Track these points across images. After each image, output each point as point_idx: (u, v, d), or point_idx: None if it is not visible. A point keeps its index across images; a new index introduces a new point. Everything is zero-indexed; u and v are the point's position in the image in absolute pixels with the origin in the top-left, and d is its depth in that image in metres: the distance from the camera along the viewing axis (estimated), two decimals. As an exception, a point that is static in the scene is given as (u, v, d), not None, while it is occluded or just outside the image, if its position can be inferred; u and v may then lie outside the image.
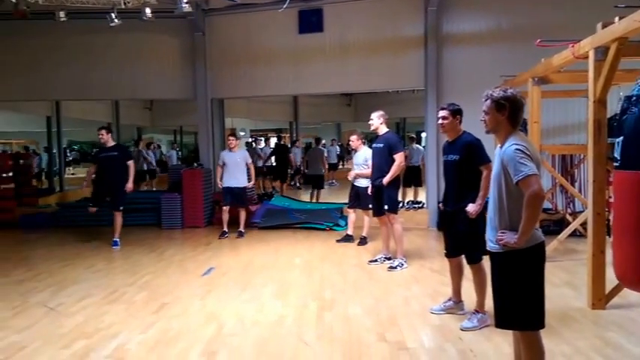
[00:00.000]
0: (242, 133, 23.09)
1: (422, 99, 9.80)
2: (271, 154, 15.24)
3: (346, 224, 8.22)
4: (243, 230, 8.50)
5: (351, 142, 7.71)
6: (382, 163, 6.21)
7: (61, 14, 8.02)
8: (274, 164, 15.03)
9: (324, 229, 8.90)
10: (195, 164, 10.14)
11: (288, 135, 22.79)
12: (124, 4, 7.53)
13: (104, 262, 6.89)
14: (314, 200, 11.60)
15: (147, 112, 19.51)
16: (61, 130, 14.40)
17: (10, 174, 10.40)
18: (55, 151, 14.92)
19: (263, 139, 18.81)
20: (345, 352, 3.72)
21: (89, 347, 3.87)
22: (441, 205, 4.65)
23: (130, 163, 7.88)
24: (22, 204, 10.55)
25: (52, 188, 14.18)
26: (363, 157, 7.30)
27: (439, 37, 9.17)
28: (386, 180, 6.08)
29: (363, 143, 7.76)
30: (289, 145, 16.75)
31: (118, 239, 7.82)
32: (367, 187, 6.78)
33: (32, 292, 5.43)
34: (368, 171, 6.83)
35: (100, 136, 7.87)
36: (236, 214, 8.48)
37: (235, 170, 8.35)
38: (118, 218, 7.84)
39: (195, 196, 9.52)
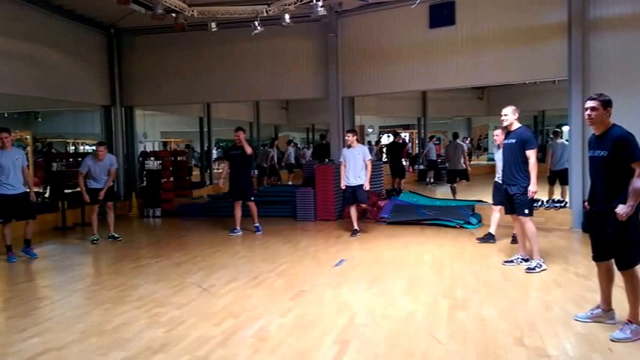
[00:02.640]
0: (370, 130, 23.36)
1: (563, 90, 9.12)
2: (387, 152, 15.28)
3: (479, 222, 7.96)
4: (357, 229, 8.32)
5: (495, 137, 7.30)
6: (513, 159, 5.93)
7: (213, 25, 8.89)
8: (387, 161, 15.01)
9: (454, 227, 8.73)
10: (327, 160, 10.55)
11: (416, 131, 22.54)
12: (266, 12, 8.11)
13: (247, 250, 7.54)
14: (455, 196, 11.44)
15: (283, 112, 20.70)
16: (211, 129, 15.98)
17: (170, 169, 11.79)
18: (204, 148, 16.55)
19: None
20: (479, 353, 3.66)
21: (236, 326, 4.29)
22: (586, 204, 4.29)
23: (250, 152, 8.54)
24: (179, 195, 11.89)
25: (204, 182, 15.76)
26: None
27: (585, 23, 8.44)
28: (534, 188, 5.75)
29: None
30: (406, 142, 16.58)
31: (258, 224, 8.64)
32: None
33: (188, 273, 6.14)
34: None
35: (236, 137, 8.60)
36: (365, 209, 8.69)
37: (355, 167, 8.25)
38: (253, 208, 8.61)
39: (327, 191, 9.93)
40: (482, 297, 4.99)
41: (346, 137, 8.54)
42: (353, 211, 8.43)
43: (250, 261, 6.83)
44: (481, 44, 9.35)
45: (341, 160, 8.55)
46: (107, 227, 8.40)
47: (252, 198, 8.69)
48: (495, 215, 7.39)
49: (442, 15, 9.62)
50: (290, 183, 15.95)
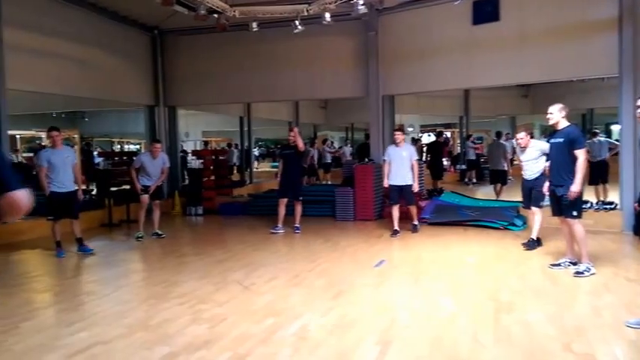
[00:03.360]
0: (410, 129, 23.10)
1: (612, 87, 8.78)
2: (427, 151, 15.04)
3: (524, 224, 7.72)
4: (417, 223, 8.50)
5: (519, 140, 7.06)
6: (561, 159, 5.71)
7: (254, 25, 8.98)
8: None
9: (497, 228, 8.51)
10: (367, 159, 10.49)
11: (458, 130, 22.13)
12: (306, 11, 8.13)
13: (287, 249, 7.59)
14: (498, 197, 11.19)
15: (322, 111, 20.74)
16: (251, 129, 16.19)
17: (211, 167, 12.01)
18: (244, 148, 16.77)
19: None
20: (525, 358, 3.54)
21: (277, 325, 4.31)
22: (637, 205, 4.10)
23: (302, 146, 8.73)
24: (220, 194, 12.09)
25: (244, 180, 15.97)
26: (537, 151, 6.87)
27: (637, 18, 8.06)
28: (577, 188, 5.55)
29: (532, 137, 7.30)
30: (448, 141, 16.28)
31: (299, 225, 8.69)
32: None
33: (229, 271, 6.21)
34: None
35: (292, 136, 8.72)
36: (406, 209, 8.56)
37: (401, 166, 8.19)
38: (299, 207, 8.71)
39: (366, 191, 9.87)
40: (529, 301, 4.84)
41: (395, 135, 8.49)
42: (395, 211, 8.34)
43: (290, 259, 6.86)
44: (527, 40, 9.08)
45: (385, 158, 8.46)
46: (152, 224, 8.58)
47: (301, 198, 8.80)
48: (537, 218, 7.09)
49: (486, 11, 9.40)
50: (325, 182, 15.99)
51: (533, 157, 6.93)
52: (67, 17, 9.46)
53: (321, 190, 11.41)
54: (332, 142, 20.92)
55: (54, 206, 7.09)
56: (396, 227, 8.26)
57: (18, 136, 16.02)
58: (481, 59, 9.59)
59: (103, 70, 10.46)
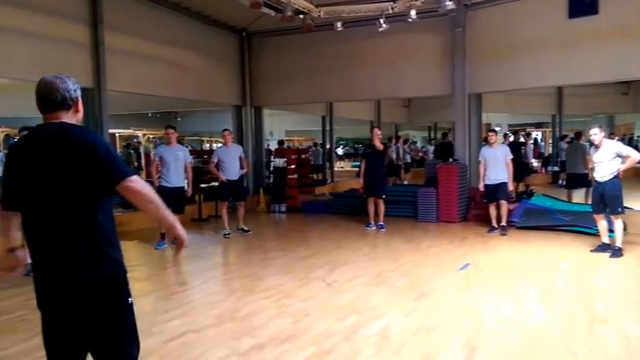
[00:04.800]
0: (498, 129, 22.17)
1: None
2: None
3: (624, 230, 7.14)
4: (505, 224, 8.35)
5: (592, 137, 6.61)
6: None
7: (338, 24, 9.06)
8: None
9: (594, 235, 7.94)
10: (451, 160, 10.21)
11: (550, 130, 20.94)
12: (391, 9, 8.06)
13: (369, 248, 7.59)
14: (575, 201, 10.49)
15: (404, 110, 20.47)
16: (332, 128, 16.33)
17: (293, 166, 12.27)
18: (326, 147, 16.95)
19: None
20: (625, 373, 3.32)
21: (359, 323, 4.33)
22: None
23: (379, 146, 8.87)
24: (302, 192, 12.32)
25: (325, 179, 16.16)
26: (611, 152, 6.45)
27: None
28: None
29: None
30: (526, 141, 15.42)
31: (383, 223, 8.85)
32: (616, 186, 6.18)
33: (312, 267, 6.32)
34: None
35: (377, 135, 8.86)
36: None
37: (495, 167, 8.28)
38: (381, 206, 8.82)
39: (450, 192, 9.60)
40: (627, 312, 4.51)
41: (489, 136, 8.55)
42: (492, 210, 8.41)
43: (372, 259, 6.85)
44: (628, 34, 8.41)
45: (480, 159, 8.53)
46: (237, 220, 8.87)
47: (384, 196, 8.92)
48: (602, 224, 6.81)
49: (583, 3, 8.81)
50: (406, 182, 15.76)
51: (607, 158, 6.48)
52: (162, 21, 10.03)
53: (403, 190, 11.24)
54: (413, 142, 20.55)
55: (162, 200, 7.48)
56: (495, 224, 8.40)
57: (117, 135, 17.26)
58: (577, 54, 9.01)
59: (195, 71, 11.00)
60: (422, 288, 5.34)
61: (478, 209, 9.63)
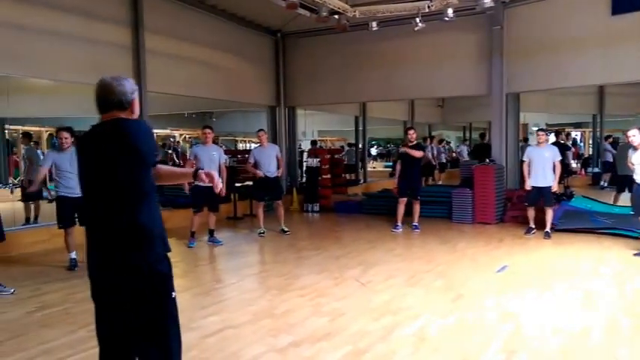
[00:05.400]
0: (534, 129, 21.67)
1: None
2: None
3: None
4: (549, 230, 8.07)
5: (631, 139, 6.44)
6: None
7: (374, 24, 9.02)
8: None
9: (636, 238, 7.68)
10: (487, 160, 10.04)
11: (590, 130, 20.34)
12: (428, 8, 7.99)
13: (402, 248, 7.55)
14: (619, 203, 10.15)
15: (438, 110, 20.22)
16: (366, 128, 16.28)
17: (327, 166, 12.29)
18: (358, 147, 16.90)
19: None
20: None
21: (395, 323, 4.31)
22: None
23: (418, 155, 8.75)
24: (335, 192, 12.33)
25: (358, 180, 16.13)
26: None
27: None
28: None
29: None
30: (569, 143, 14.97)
31: (417, 224, 8.78)
32: None
33: (346, 267, 6.33)
34: None
35: (410, 135, 8.78)
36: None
37: (542, 167, 7.95)
38: (417, 207, 8.73)
39: (487, 193, 9.44)
40: (678, 320, 4.34)
41: (538, 135, 8.30)
42: (531, 211, 8.24)
43: (406, 259, 6.80)
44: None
45: (524, 159, 8.24)
46: (278, 220, 8.85)
47: (419, 197, 8.83)
48: None
49: (627, 0, 8.55)
50: (440, 183, 15.57)
51: None
52: (199, 24, 10.19)
53: (437, 190, 11.11)
54: (447, 142, 20.28)
55: (197, 199, 7.69)
56: (532, 225, 8.25)
57: (155, 135, 17.69)
58: (620, 52, 8.75)
59: (230, 73, 11.15)
60: (458, 289, 5.27)
61: (515, 210, 9.45)
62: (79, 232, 5.77)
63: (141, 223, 2.23)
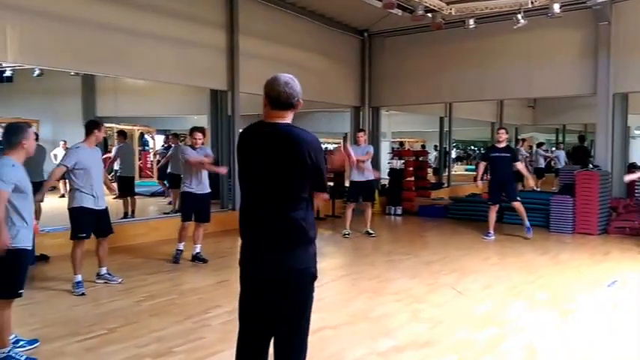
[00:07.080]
0: (637, 132, 20.11)
1: None
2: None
3: None
4: None
5: None
6: None
7: (471, 22, 8.67)
8: None
9: None
10: (591, 166, 9.35)
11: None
12: (531, 3, 7.56)
13: (498, 257, 7.18)
14: None
15: (529, 111, 19.19)
16: (451, 129, 15.74)
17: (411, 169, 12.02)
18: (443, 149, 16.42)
19: None
20: None
21: (500, 335, 4.07)
22: None
23: (517, 164, 8.43)
24: (419, 195, 12.04)
25: (441, 183, 15.67)
26: None
27: None
28: None
29: None
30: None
31: (529, 225, 8.29)
32: None
33: (439, 273, 6.12)
34: None
35: (499, 135, 8.32)
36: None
37: None
38: (520, 207, 8.30)
39: (590, 201, 8.74)
40: None
41: None
42: None
43: (504, 268, 6.45)
44: None
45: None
46: (364, 222, 8.76)
47: (518, 198, 8.38)
48: None
49: None
50: (538, 189, 14.72)
51: None
52: (289, 25, 10.29)
53: (532, 197, 10.48)
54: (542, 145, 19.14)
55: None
56: None
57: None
58: None
59: (318, 73, 11.18)
60: (565, 304, 4.92)
61: (620, 221, 8.74)
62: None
63: (301, 226, 2.33)
